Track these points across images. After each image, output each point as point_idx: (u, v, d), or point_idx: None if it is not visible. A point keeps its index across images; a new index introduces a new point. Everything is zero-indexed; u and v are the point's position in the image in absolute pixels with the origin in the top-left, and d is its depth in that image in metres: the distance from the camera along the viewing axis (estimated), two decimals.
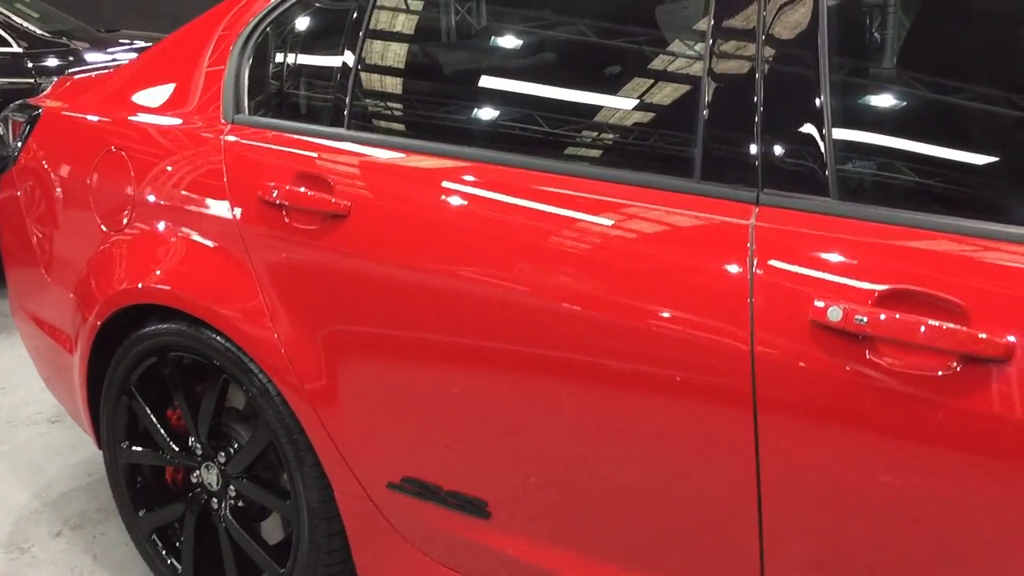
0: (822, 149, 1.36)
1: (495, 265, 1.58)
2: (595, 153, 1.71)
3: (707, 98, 1.46)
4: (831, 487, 1.33)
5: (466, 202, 1.67)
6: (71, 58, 5.01)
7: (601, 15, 1.88)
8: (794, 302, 1.32)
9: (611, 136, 1.70)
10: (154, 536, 2.26)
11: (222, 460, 2.09)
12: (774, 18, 1.43)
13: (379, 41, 1.93)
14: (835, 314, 1.26)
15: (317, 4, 2.04)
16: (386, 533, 1.85)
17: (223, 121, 2.01)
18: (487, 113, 1.88)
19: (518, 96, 1.84)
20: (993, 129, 1.41)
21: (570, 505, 1.60)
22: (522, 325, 1.56)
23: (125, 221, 2.11)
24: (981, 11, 1.49)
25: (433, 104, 2.01)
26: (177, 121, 2.09)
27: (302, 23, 2.07)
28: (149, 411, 2.18)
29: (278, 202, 1.82)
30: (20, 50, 4.79)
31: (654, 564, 1.54)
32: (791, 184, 1.38)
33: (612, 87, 1.74)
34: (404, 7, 1.99)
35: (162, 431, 2.17)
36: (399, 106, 2.03)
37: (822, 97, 1.37)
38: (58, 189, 2.31)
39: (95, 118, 2.27)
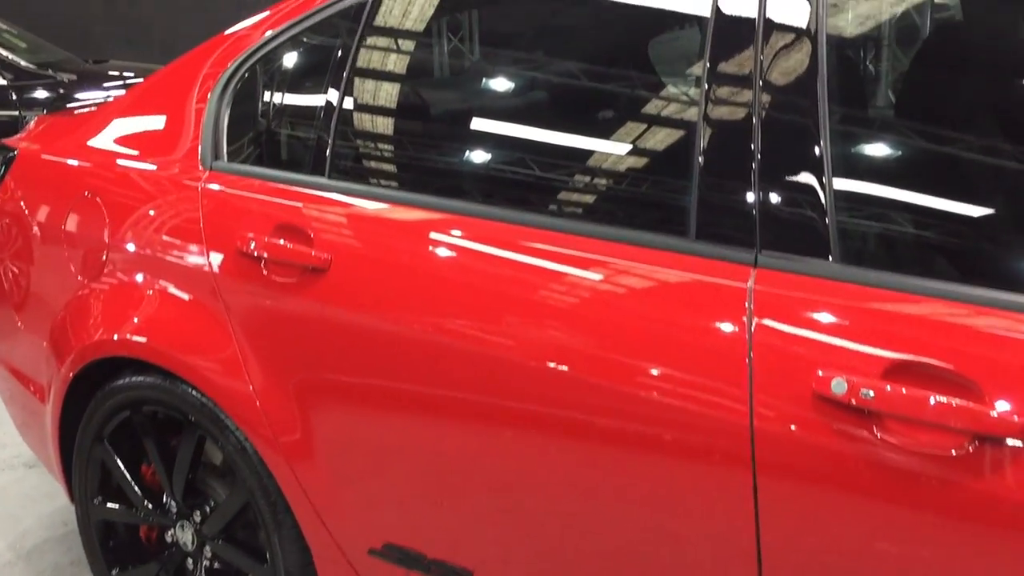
0: (824, 209, 1.29)
1: (482, 329, 1.51)
2: (587, 208, 1.64)
3: (701, 157, 1.40)
4: (836, 558, 1.26)
5: (451, 256, 1.60)
6: (59, 90, 4.96)
7: (593, 59, 1.82)
8: (795, 372, 1.24)
9: (603, 191, 1.63)
10: None
11: (197, 519, 2.01)
12: (771, 63, 1.36)
13: (361, 89, 1.87)
14: (839, 387, 1.19)
15: (296, 49, 1.98)
16: None
17: (201, 168, 1.94)
18: (470, 164, 1.82)
19: (503, 147, 1.78)
20: (1017, 188, 1.35)
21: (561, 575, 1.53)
22: (510, 384, 1.48)
23: (99, 269, 2.04)
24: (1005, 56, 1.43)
25: (415, 155, 1.94)
26: (154, 167, 2.02)
27: (281, 68, 2.01)
28: (122, 466, 2.09)
29: (256, 254, 1.75)
30: (5, 82, 4.74)
31: None
32: (791, 246, 1.31)
33: (604, 140, 1.67)
34: (386, 56, 1.93)
35: (135, 488, 2.09)
36: (381, 156, 1.96)
37: (826, 172, 1.30)
38: (33, 233, 2.24)
39: (70, 161, 2.20)
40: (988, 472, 1.13)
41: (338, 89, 1.82)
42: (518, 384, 1.48)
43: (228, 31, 2.11)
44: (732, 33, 1.40)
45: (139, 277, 1.97)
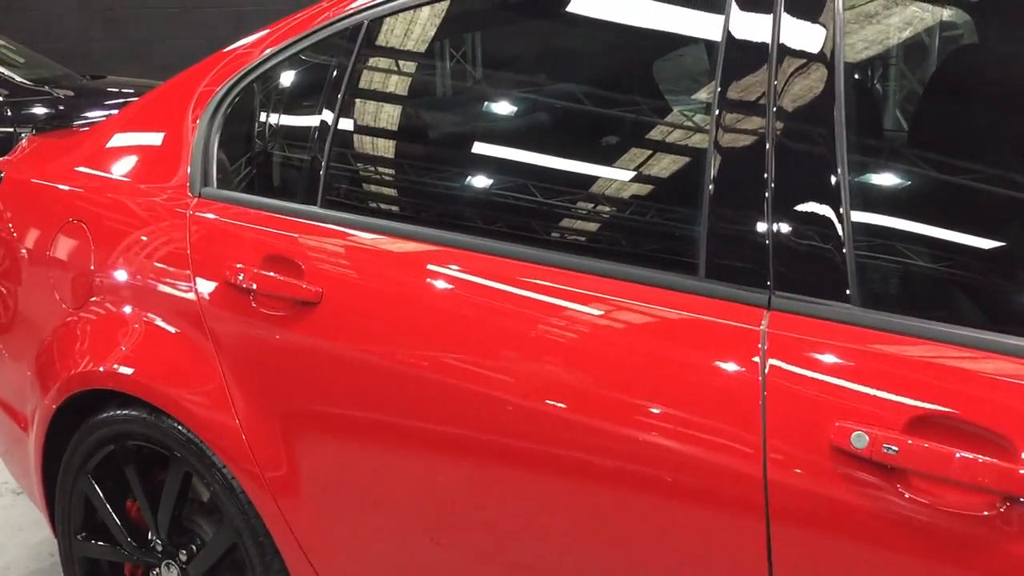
0: (842, 244, 1.22)
1: (484, 372, 1.43)
2: (591, 241, 1.56)
3: (711, 187, 1.32)
4: None
5: (446, 290, 1.52)
6: (56, 107, 4.90)
7: (598, 84, 1.75)
8: (812, 421, 1.17)
9: (608, 223, 1.56)
10: None
11: (183, 559, 1.93)
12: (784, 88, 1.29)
13: (355, 114, 1.80)
14: (860, 440, 1.11)
15: (289, 71, 1.91)
16: None
17: (190, 194, 1.87)
18: (467, 193, 1.75)
19: (502, 176, 1.71)
20: None
21: None
22: (505, 424, 1.41)
23: (85, 298, 1.97)
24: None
25: (410, 184, 1.87)
26: (142, 192, 1.95)
27: (272, 94, 1.94)
28: (106, 503, 2.01)
29: (245, 285, 1.67)
30: (0, 99, 4.68)
31: None
32: (806, 287, 1.23)
33: (609, 169, 1.60)
34: (385, 78, 1.86)
35: (120, 525, 2.01)
36: (374, 184, 1.89)
37: (843, 204, 1.23)
38: (20, 259, 2.17)
39: (56, 186, 2.13)
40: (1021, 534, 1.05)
41: (332, 113, 1.75)
42: (513, 424, 1.41)
43: (227, 48, 2.04)
44: (744, 56, 1.33)
45: (124, 307, 1.90)
